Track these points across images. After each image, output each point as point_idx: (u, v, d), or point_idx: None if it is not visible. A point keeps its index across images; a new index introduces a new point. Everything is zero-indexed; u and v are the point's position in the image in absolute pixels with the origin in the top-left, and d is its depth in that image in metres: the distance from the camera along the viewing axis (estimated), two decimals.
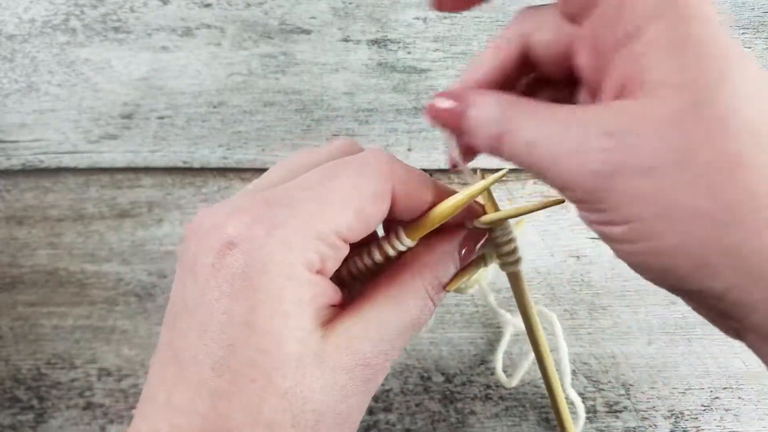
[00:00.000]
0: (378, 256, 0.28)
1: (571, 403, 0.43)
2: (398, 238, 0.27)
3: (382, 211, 0.25)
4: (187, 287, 0.24)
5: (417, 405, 0.44)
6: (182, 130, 0.47)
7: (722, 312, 0.21)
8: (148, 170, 0.47)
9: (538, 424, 0.43)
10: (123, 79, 0.47)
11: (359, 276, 0.28)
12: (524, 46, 0.26)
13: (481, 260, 0.30)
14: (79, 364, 0.45)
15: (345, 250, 0.25)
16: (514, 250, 0.30)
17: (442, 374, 0.44)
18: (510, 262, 0.30)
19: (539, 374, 0.44)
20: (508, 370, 0.44)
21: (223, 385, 0.22)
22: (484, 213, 0.28)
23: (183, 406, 0.23)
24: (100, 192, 0.47)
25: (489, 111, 0.24)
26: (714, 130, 0.19)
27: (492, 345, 0.44)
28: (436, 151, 0.46)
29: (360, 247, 0.28)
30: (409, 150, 0.46)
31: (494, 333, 0.45)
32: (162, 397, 0.24)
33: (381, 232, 0.29)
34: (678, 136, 0.19)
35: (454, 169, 0.29)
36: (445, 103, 0.26)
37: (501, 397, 0.44)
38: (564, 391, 0.41)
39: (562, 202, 0.25)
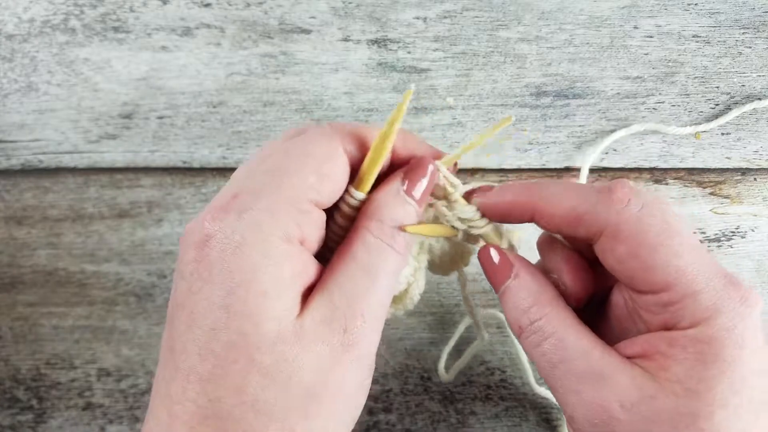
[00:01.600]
0: (339, 219, 0.28)
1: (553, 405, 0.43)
2: (348, 192, 0.28)
3: (341, 166, 0.26)
4: (178, 287, 0.25)
5: (417, 405, 0.44)
6: (182, 130, 0.47)
7: None
8: (147, 170, 0.47)
9: (538, 425, 0.43)
10: (122, 79, 0.47)
11: (339, 240, 0.29)
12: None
13: (454, 229, 0.30)
14: (79, 364, 0.45)
15: (319, 214, 0.26)
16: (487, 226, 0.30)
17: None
18: (472, 225, 0.30)
19: (538, 375, 0.44)
20: (508, 371, 0.44)
21: (209, 368, 0.23)
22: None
23: (178, 394, 0.24)
24: (99, 192, 0.46)
25: (522, 300, 0.28)
26: None
27: (492, 345, 0.44)
28: None
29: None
30: None
31: (494, 333, 0.44)
32: (163, 389, 0.25)
33: None
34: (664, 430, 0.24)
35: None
36: (495, 258, 0.29)
37: (501, 398, 0.44)
38: (533, 389, 0.42)
39: (509, 120, 0.27)
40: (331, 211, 0.28)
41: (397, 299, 0.31)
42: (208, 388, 0.23)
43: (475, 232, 0.30)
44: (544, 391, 0.42)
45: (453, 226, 0.30)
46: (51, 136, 0.47)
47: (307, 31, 0.47)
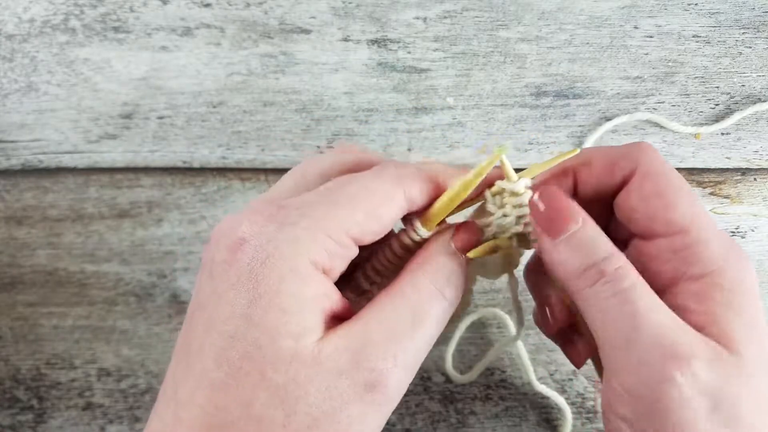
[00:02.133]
0: (397, 248, 0.28)
1: (554, 404, 0.43)
2: (413, 226, 0.28)
3: (395, 211, 0.26)
4: (203, 285, 0.25)
5: (417, 405, 0.44)
6: (182, 130, 0.47)
7: None
8: (147, 170, 0.47)
9: (538, 425, 0.43)
10: (122, 79, 0.47)
11: (384, 274, 0.29)
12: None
13: (509, 239, 0.29)
14: (79, 364, 0.45)
15: (354, 250, 0.26)
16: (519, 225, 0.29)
17: (442, 374, 0.44)
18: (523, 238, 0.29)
19: (538, 375, 0.44)
20: (508, 371, 0.44)
21: (221, 376, 0.23)
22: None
23: (186, 398, 0.23)
24: (99, 192, 0.46)
25: (603, 244, 0.26)
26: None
27: (493, 346, 0.44)
28: (436, 151, 0.46)
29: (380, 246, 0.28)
30: (409, 150, 0.46)
31: (495, 334, 0.44)
32: (171, 390, 0.24)
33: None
34: (734, 389, 0.23)
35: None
36: (557, 199, 0.27)
37: (501, 398, 0.44)
38: (533, 387, 0.42)
39: (576, 152, 0.27)
40: (371, 248, 0.28)
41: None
42: (218, 396, 0.23)
43: (530, 228, 0.28)
44: (545, 390, 0.42)
45: (508, 236, 0.29)
46: (51, 136, 0.47)
47: (307, 31, 0.47)
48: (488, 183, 0.29)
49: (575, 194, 0.30)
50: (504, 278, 0.32)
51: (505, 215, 0.28)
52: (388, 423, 0.43)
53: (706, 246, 0.25)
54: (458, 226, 0.28)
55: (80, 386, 0.45)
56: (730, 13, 0.46)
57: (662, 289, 0.26)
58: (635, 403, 0.24)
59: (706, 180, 0.46)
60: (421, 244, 0.28)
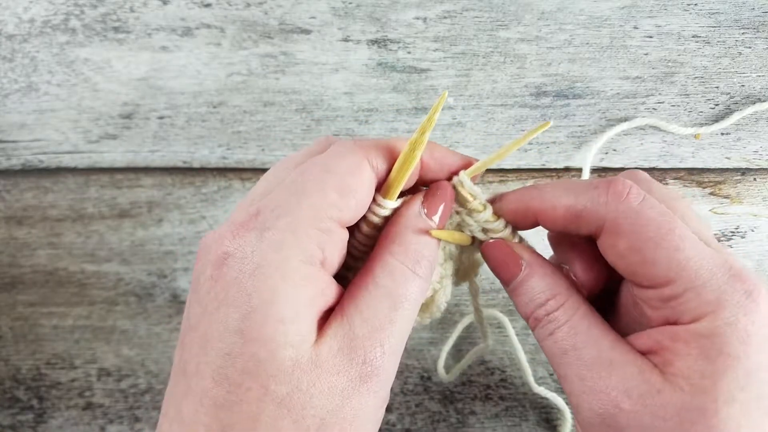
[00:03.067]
0: (365, 228, 0.27)
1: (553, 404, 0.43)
2: (375, 201, 0.27)
3: (366, 181, 0.26)
4: (192, 305, 0.25)
5: (417, 405, 0.44)
6: (182, 130, 0.47)
7: None
8: (148, 170, 0.47)
9: (538, 425, 0.43)
10: (123, 79, 0.47)
11: (360, 257, 0.28)
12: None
13: (472, 239, 0.30)
14: (79, 364, 0.45)
15: (342, 233, 0.25)
16: (498, 226, 0.29)
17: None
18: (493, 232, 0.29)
19: (538, 375, 0.44)
20: (508, 371, 0.44)
21: (223, 394, 0.23)
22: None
23: (189, 417, 0.23)
24: (99, 192, 0.46)
25: (538, 294, 0.28)
26: None
27: (492, 345, 0.44)
28: None
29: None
30: None
31: (495, 334, 0.44)
32: (173, 411, 0.24)
33: None
34: (671, 426, 0.24)
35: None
36: (502, 253, 0.29)
37: (501, 398, 0.44)
38: (531, 388, 0.42)
39: (547, 124, 0.27)
40: (353, 229, 0.28)
41: (423, 307, 0.30)
42: (222, 415, 0.23)
43: (494, 236, 0.29)
44: (544, 391, 0.42)
45: (472, 236, 0.29)
46: (51, 136, 0.47)
47: (307, 31, 0.47)
48: (452, 171, 0.29)
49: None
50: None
51: (470, 216, 0.29)
52: (388, 423, 0.43)
53: (696, 293, 0.24)
54: (429, 189, 0.28)
55: (80, 386, 0.45)
56: (730, 14, 0.46)
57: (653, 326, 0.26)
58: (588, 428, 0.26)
59: (706, 180, 0.46)
60: (389, 219, 0.27)
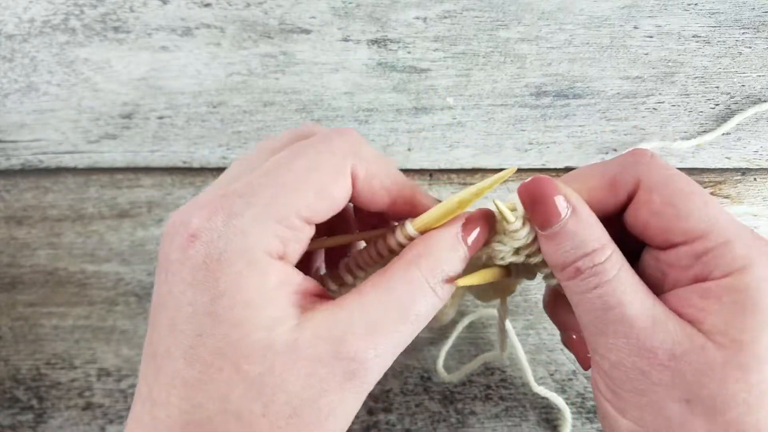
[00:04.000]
0: (383, 248, 0.27)
1: (554, 404, 0.43)
2: (404, 230, 0.27)
3: (343, 188, 0.25)
4: (161, 285, 0.24)
5: (417, 405, 0.44)
6: (182, 130, 0.47)
7: None
8: (147, 170, 0.47)
9: (538, 425, 0.43)
10: (122, 79, 0.47)
11: (366, 269, 0.28)
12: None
13: (506, 269, 0.28)
14: (79, 364, 0.45)
15: (308, 231, 0.25)
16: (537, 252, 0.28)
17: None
18: (541, 267, 0.28)
19: (538, 375, 0.44)
20: (508, 371, 0.44)
21: (194, 374, 0.23)
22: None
23: (161, 398, 0.23)
24: (99, 192, 0.46)
25: (589, 241, 0.26)
26: (741, 400, 0.23)
27: (493, 346, 0.44)
28: (436, 151, 0.46)
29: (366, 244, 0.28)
30: (409, 150, 0.46)
31: (494, 334, 0.44)
32: (145, 391, 0.24)
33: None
34: (715, 390, 0.23)
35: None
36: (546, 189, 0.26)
37: (501, 398, 0.44)
38: (531, 388, 0.42)
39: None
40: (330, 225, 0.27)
41: None
42: (192, 394, 0.23)
43: (533, 260, 0.28)
44: (544, 391, 0.42)
45: (504, 266, 0.28)
46: (51, 136, 0.47)
47: (307, 31, 0.47)
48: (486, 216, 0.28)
49: None
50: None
51: (502, 243, 0.27)
52: (388, 423, 0.43)
53: (728, 248, 0.24)
54: (469, 217, 0.27)
55: (80, 386, 0.45)
56: (730, 13, 0.46)
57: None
58: (613, 384, 0.25)
59: (707, 180, 0.46)
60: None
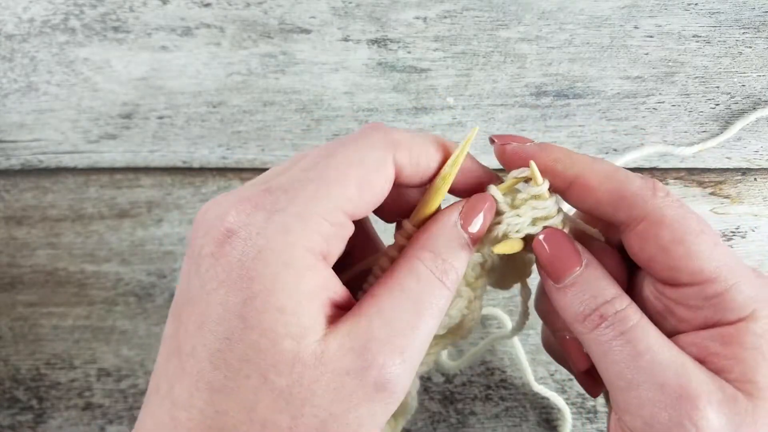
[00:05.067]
0: (394, 252, 0.27)
1: (554, 404, 0.43)
2: (403, 226, 0.27)
3: (386, 179, 0.25)
4: (191, 278, 0.24)
5: (417, 405, 0.44)
6: (182, 130, 0.47)
7: None
8: (147, 170, 0.47)
9: (538, 425, 0.43)
10: (122, 79, 0.47)
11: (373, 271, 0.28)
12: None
13: (524, 245, 0.27)
14: (79, 365, 0.45)
15: (350, 228, 0.24)
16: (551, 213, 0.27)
17: (442, 374, 0.44)
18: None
19: (538, 375, 0.44)
20: (508, 371, 0.44)
21: (220, 379, 0.22)
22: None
23: (183, 399, 0.22)
24: (99, 192, 0.46)
25: (604, 289, 0.25)
26: None
27: (493, 345, 0.44)
28: None
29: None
30: None
31: (495, 333, 0.44)
32: (165, 388, 0.23)
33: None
34: None
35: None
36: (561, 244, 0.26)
37: (501, 398, 0.44)
38: (531, 387, 0.42)
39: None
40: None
41: (449, 333, 0.29)
42: (217, 399, 0.22)
43: (551, 222, 0.27)
44: (544, 390, 0.42)
45: (521, 237, 0.27)
46: (51, 136, 0.47)
47: (307, 31, 0.47)
48: (490, 180, 0.28)
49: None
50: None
51: (518, 215, 0.27)
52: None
53: (738, 291, 0.23)
54: (468, 201, 0.27)
55: (80, 386, 0.45)
56: (730, 13, 0.46)
57: (688, 330, 0.25)
58: None
59: (707, 180, 0.46)
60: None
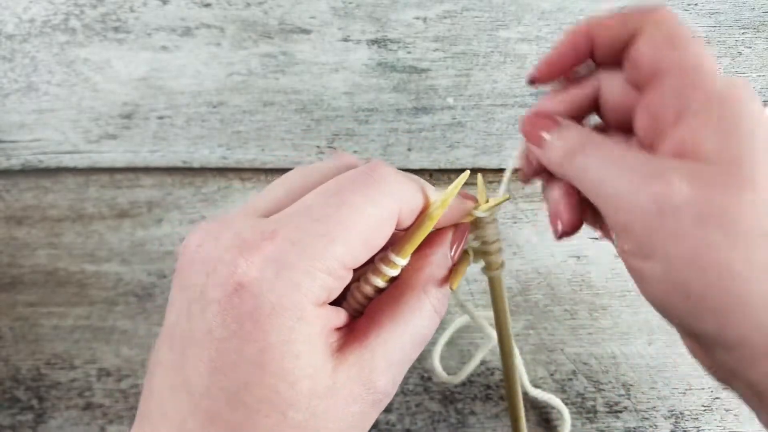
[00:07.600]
0: (379, 282, 0.27)
1: (550, 405, 0.43)
2: (391, 260, 0.27)
3: (389, 233, 0.26)
4: (193, 318, 0.24)
5: (417, 405, 0.44)
6: (182, 130, 0.47)
7: (724, 362, 0.24)
8: (147, 170, 0.47)
9: (538, 425, 0.43)
10: (123, 79, 0.47)
11: (362, 302, 0.28)
12: (596, 92, 0.29)
13: (466, 255, 0.30)
14: (79, 364, 0.45)
15: (349, 277, 0.25)
16: (499, 250, 0.31)
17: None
18: (494, 262, 0.31)
19: (538, 375, 0.44)
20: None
21: (239, 418, 0.23)
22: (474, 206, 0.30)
23: None
24: (99, 192, 0.46)
25: (568, 140, 0.28)
26: (749, 204, 0.23)
27: (493, 345, 0.44)
28: (436, 151, 0.46)
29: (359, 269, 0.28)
30: (409, 150, 0.46)
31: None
32: (177, 419, 0.24)
33: None
34: (722, 200, 0.23)
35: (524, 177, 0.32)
36: (534, 123, 0.29)
37: (501, 398, 0.44)
38: (527, 392, 0.42)
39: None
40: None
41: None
42: None
43: (492, 248, 0.31)
44: (541, 394, 0.42)
45: (469, 252, 0.31)
46: (51, 136, 0.47)
47: (307, 31, 0.47)
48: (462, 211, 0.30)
49: (592, 58, 0.29)
50: (484, 278, 0.32)
51: (492, 223, 0.30)
52: (388, 423, 0.43)
53: (711, 79, 0.24)
54: (455, 232, 0.29)
55: (80, 386, 0.45)
56: (730, 14, 0.46)
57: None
58: (632, 237, 0.25)
59: None
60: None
